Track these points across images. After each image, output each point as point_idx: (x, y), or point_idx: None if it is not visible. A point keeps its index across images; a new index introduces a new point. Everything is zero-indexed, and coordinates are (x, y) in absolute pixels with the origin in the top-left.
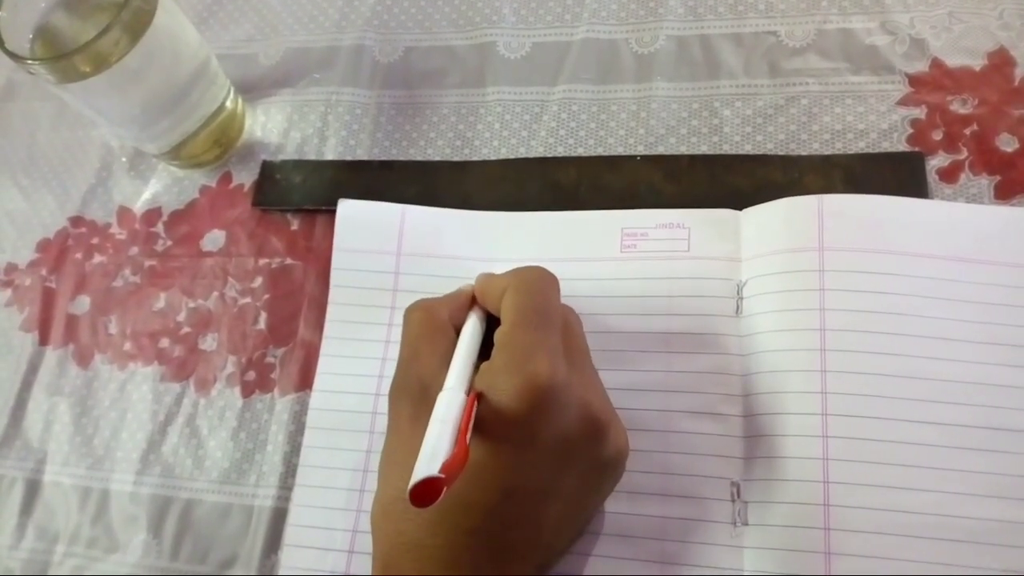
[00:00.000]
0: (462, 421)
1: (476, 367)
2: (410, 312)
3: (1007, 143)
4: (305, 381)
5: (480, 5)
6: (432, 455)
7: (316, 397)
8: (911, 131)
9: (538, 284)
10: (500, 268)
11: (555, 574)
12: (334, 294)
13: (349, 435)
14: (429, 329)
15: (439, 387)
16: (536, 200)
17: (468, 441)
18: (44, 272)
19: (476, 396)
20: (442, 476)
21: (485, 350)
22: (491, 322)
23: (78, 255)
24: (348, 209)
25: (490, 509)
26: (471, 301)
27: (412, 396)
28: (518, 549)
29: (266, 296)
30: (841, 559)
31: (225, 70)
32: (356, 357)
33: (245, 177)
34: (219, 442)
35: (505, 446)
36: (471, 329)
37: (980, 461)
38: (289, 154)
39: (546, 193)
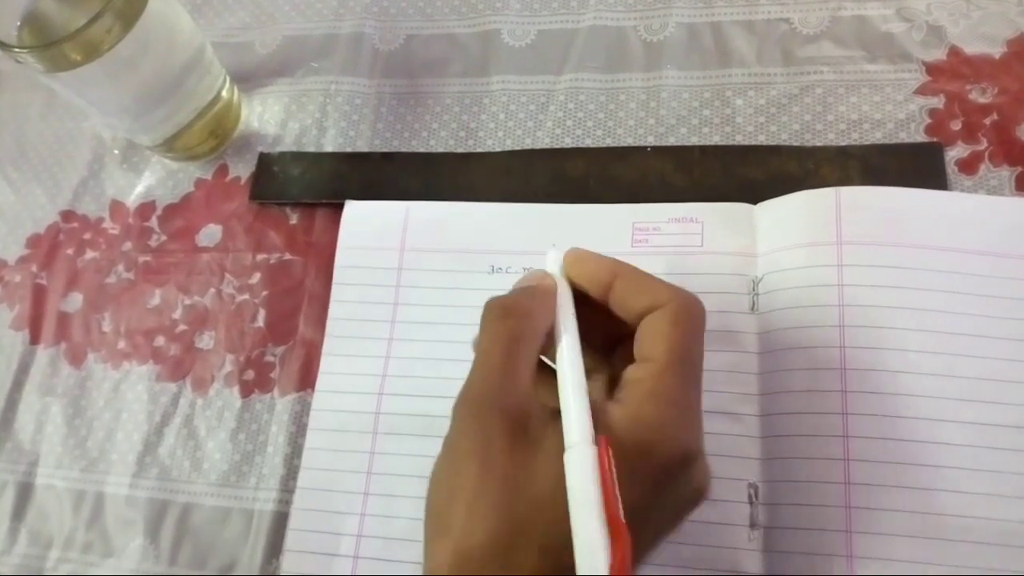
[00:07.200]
0: (607, 492)
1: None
2: (501, 314)
3: None
4: (306, 380)
5: None
6: (591, 549)
7: (319, 398)
8: (929, 121)
9: (701, 323)
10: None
11: None
12: (337, 292)
13: (353, 436)
14: (524, 340)
15: (541, 414)
16: (543, 193)
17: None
18: (34, 268)
19: (607, 447)
20: None
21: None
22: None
23: (69, 251)
24: (353, 209)
25: None
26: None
27: (508, 420)
28: None
29: (265, 293)
30: (864, 562)
31: (220, 59)
32: (359, 356)
33: (242, 170)
34: (218, 443)
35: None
36: (573, 354)
37: (1007, 461)
38: (287, 146)
39: (554, 185)
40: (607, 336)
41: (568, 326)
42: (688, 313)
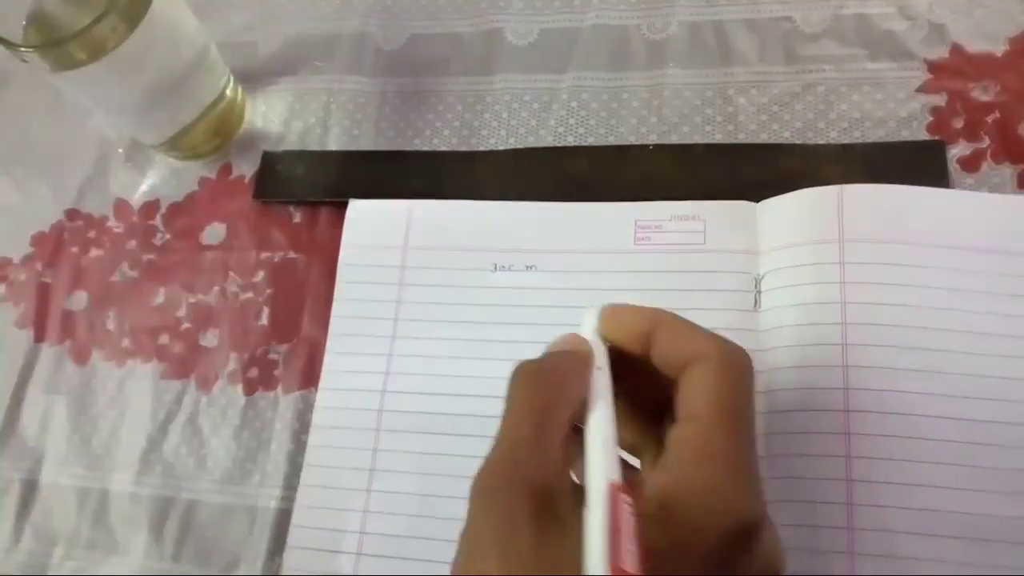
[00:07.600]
0: (614, 544)
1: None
2: (534, 380)
3: None
4: (309, 378)
5: None
6: None
7: (323, 396)
8: (931, 119)
9: (748, 376)
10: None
11: None
12: (340, 290)
13: (356, 434)
14: (557, 410)
15: (570, 493)
16: (546, 191)
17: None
18: (39, 267)
19: (617, 492)
20: None
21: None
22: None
23: (74, 249)
24: (357, 208)
25: None
26: (589, 361)
27: (536, 500)
28: None
29: (268, 291)
30: (866, 559)
31: (224, 58)
32: (363, 354)
33: (246, 168)
34: (221, 441)
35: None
36: (604, 415)
37: (1009, 458)
38: (291, 144)
39: (557, 184)
40: (655, 405)
41: (600, 390)
42: (733, 364)
